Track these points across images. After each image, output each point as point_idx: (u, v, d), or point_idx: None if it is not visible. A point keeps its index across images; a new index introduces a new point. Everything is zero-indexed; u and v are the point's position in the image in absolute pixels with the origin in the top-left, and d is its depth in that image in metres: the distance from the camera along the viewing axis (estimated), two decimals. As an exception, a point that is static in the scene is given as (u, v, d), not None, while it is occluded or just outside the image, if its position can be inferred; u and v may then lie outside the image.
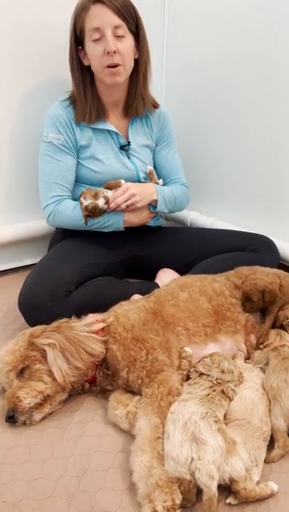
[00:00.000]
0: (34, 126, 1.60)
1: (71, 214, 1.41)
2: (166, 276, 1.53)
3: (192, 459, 0.78)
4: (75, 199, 1.46)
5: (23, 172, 1.76)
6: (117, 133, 1.49)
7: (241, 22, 1.61)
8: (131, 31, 1.35)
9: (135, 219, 1.47)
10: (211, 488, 0.76)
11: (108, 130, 1.47)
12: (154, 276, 1.58)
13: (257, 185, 1.74)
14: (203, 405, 0.90)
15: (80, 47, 1.38)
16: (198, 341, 1.14)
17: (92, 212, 1.37)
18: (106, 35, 1.30)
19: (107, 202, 1.37)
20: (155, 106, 1.58)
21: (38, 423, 1.01)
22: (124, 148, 1.52)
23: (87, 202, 1.36)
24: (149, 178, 1.56)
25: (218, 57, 1.74)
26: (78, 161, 1.48)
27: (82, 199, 1.37)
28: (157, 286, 1.47)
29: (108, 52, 1.31)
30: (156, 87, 1.77)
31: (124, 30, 1.32)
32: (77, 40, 1.37)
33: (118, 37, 1.32)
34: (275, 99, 1.56)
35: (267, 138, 1.64)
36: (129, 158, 1.53)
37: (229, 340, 1.17)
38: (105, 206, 1.37)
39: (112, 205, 1.37)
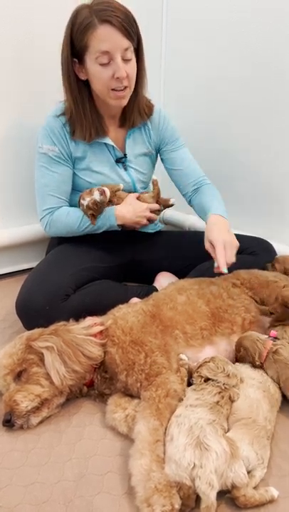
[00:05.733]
0: (31, 131, 1.59)
1: (65, 219, 1.40)
2: (164, 280, 1.53)
3: (194, 465, 0.77)
4: (72, 206, 1.45)
5: (20, 176, 1.76)
6: (113, 146, 1.45)
7: (240, 25, 1.62)
8: (134, 50, 1.30)
9: (128, 214, 1.42)
10: (209, 497, 0.75)
11: (105, 143, 1.44)
12: (152, 279, 1.58)
13: (256, 188, 1.75)
14: (212, 414, 0.89)
15: (76, 59, 1.30)
16: (196, 344, 1.14)
17: (94, 209, 1.36)
18: (115, 60, 1.23)
19: (102, 193, 1.35)
20: (150, 113, 1.50)
21: (35, 427, 1.01)
22: (121, 160, 1.49)
23: (86, 201, 1.35)
24: (153, 187, 1.52)
25: (216, 62, 1.76)
26: (74, 172, 1.45)
27: (81, 201, 1.37)
28: (156, 289, 1.46)
29: (118, 78, 1.26)
30: (154, 92, 1.78)
31: (131, 51, 1.26)
32: (74, 54, 1.29)
33: (126, 60, 1.26)
34: (274, 103, 1.58)
35: (266, 142, 1.65)
36: (126, 170, 1.51)
37: (224, 342, 1.17)
38: (101, 197, 1.35)
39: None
